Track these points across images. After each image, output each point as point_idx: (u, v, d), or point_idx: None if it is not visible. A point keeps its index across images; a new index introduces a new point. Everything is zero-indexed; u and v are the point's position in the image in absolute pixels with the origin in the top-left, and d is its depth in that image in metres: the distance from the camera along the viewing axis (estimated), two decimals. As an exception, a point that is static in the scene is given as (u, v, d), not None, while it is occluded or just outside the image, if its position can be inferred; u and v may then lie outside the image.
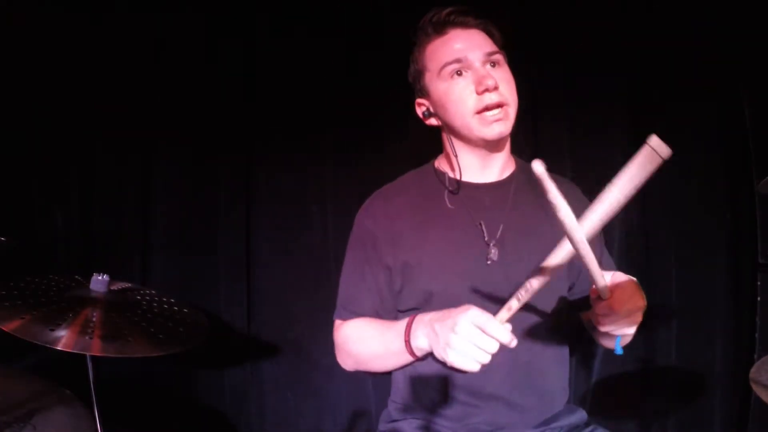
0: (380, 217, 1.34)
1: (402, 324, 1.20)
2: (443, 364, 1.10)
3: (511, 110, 1.25)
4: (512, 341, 1.00)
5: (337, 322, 1.38)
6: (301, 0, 1.88)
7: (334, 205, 1.92)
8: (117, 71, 1.87)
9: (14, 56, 1.77)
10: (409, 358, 1.21)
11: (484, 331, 1.00)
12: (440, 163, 1.41)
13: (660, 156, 0.90)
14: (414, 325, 1.17)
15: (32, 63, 1.80)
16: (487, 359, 1.01)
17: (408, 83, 1.41)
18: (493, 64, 1.25)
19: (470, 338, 1.00)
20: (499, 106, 1.21)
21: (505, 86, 1.23)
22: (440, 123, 1.34)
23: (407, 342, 1.17)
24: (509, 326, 1.01)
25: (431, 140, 1.79)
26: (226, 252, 1.93)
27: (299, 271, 1.94)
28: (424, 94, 1.34)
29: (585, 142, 1.90)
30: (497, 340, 1.00)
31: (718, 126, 1.82)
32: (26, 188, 1.83)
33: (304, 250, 1.94)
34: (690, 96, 1.81)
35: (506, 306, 1.01)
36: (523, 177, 1.37)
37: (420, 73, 1.33)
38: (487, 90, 1.20)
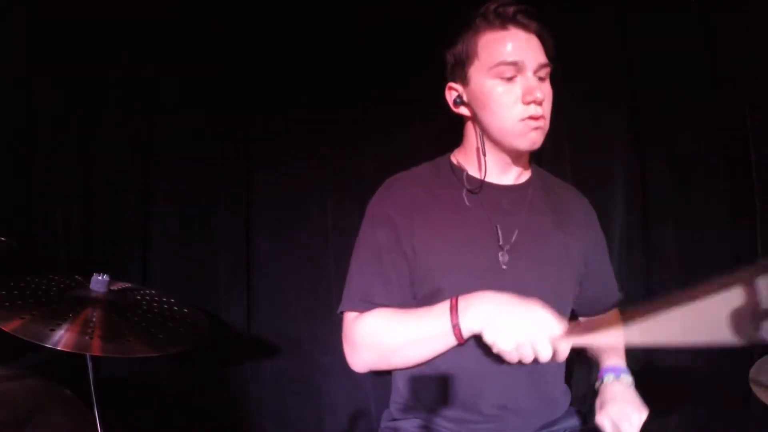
0: (399, 203, 1.29)
1: (442, 307, 1.15)
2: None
3: (547, 124, 1.24)
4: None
5: (352, 315, 1.25)
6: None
7: (334, 205, 1.92)
8: (116, 71, 1.87)
9: (14, 55, 1.77)
10: (450, 343, 1.15)
11: (551, 341, 1.02)
12: (458, 158, 1.37)
13: None
14: (462, 307, 1.12)
15: (32, 62, 1.80)
16: (530, 360, 1.04)
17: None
18: (542, 76, 1.23)
19: (534, 339, 1.02)
20: (540, 118, 1.20)
21: (546, 102, 1.22)
22: (471, 114, 1.29)
23: (456, 324, 1.12)
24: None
25: (432, 140, 1.80)
26: (226, 252, 1.93)
27: (299, 271, 1.93)
28: (463, 80, 1.27)
29: (585, 143, 1.90)
30: (555, 355, 1.03)
31: (718, 126, 1.82)
32: (26, 188, 1.83)
33: (304, 250, 1.94)
34: (690, 96, 1.81)
35: (578, 331, 1.06)
36: (538, 183, 1.36)
37: (467, 59, 1.26)
38: (534, 102, 1.18)
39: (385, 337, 1.21)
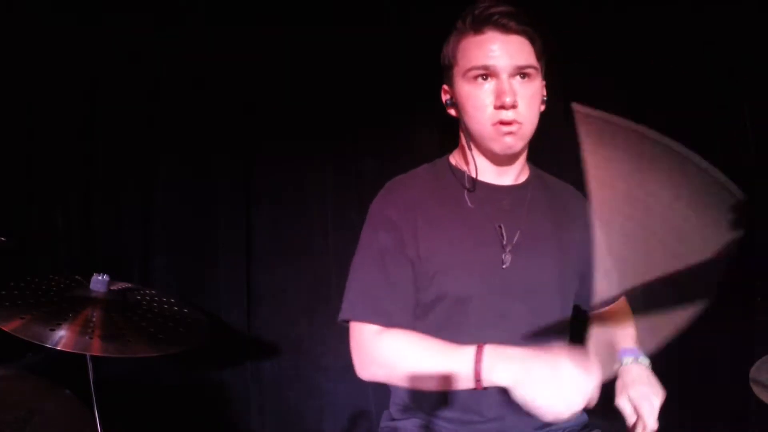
0: (401, 206, 1.27)
1: (466, 351, 1.11)
2: None
3: (526, 129, 1.22)
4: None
5: (372, 328, 1.20)
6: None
7: (334, 205, 1.92)
8: (119, 73, 1.87)
9: (15, 57, 1.77)
10: (468, 386, 1.13)
11: (583, 394, 1.01)
12: (456, 160, 1.36)
13: None
14: (489, 359, 1.09)
15: (33, 64, 1.80)
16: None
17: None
18: (523, 75, 1.20)
19: (566, 395, 1.01)
20: (513, 123, 1.19)
21: (524, 104, 1.19)
22: (458, 116, 1.30)
23: (479, 375, 1.09)
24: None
25: (430, 140, 1.80)
26: (226, 252, 1.93)
27: (299, 271, 1.94)
28: (450, 83, 1.29)
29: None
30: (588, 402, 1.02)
31: (718, 126, 1.82)
32: (26, 188, 1.83)
33: (304, 250, 1.94)
34: (690, 96, 1.81)
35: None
36: (538, 183, 1.36)
37: (449, 63, 1.27)
38: (503, 107, 1.17)
39: (403, 362, 1.18)
